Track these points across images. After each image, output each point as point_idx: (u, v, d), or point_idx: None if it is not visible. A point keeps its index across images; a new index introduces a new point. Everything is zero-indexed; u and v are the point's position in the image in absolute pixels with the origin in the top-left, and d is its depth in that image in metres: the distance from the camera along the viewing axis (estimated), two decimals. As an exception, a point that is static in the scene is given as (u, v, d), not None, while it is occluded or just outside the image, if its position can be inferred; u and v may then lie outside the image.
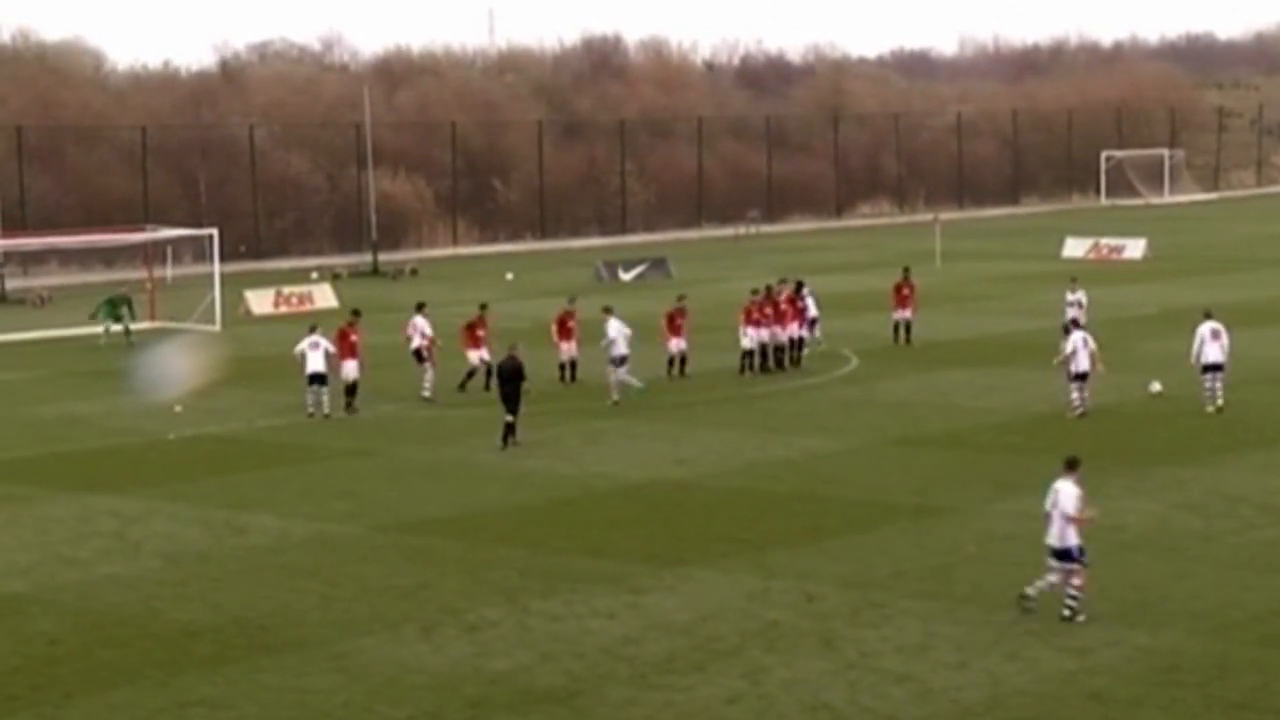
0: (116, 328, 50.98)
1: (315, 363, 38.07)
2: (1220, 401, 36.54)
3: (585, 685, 20.39)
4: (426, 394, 40.12)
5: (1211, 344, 36.84)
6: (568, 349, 42.22)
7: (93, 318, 51.69)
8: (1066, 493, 22.55)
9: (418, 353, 40.77)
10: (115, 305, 51.41)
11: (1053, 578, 22.48)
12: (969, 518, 28.10)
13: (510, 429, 34.49)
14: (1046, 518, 22.70)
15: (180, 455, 34.75)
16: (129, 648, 21.99)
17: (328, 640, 22.17)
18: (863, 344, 47.79)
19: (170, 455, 34.80)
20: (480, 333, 41.23)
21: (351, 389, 38.95)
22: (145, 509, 29.68)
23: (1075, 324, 38.18)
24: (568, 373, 42.27)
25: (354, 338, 39.50)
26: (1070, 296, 45.81)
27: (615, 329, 39.91)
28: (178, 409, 38.91)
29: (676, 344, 42.81)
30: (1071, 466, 22.83)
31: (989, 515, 28.27)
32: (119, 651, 21.86)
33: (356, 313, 41.23)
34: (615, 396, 39.13)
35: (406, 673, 20.88)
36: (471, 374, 40.84)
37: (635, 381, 39.80)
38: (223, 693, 20.24)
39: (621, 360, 39.49)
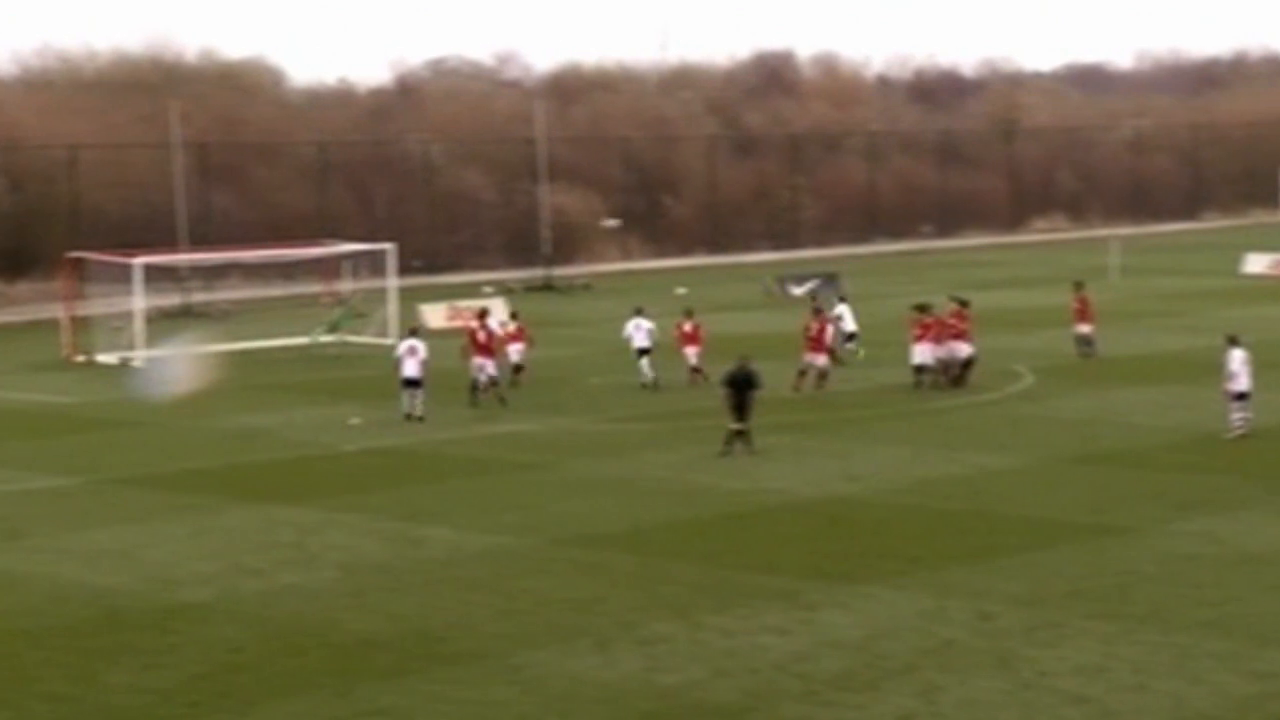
0: (326, 339, 52.03)
1: (410, 369, 39.54)
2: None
3: (758, 701, 20.38)
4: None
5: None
6: (692, 352, 44.37)
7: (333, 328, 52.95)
8: None
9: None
10: (345, 317, 52.56)
11: None
12: (1147, 537, 27.71)
13: (738, 435, 34.96)
14: None
15: (357, 467, 35.22)
16: (309, 657, 22.34)
17: (503, 652, 22.36)
18: (1037, 360, 47.29)
19: (347, 467, 35.29)
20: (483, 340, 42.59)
21: (494, 381, 41.54)
22: (323, 520, 30.12)
23: (1235, 340, 36.84)
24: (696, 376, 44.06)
25: (482, 337, 42.04)
26: None
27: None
28: (355, 421, 39.49)
29: (812, 358, 42.72)
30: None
31: (1167, 535, 27.85)
32: (299, 660, 22.22)
33: (483, 314, 44.47)
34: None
35: (580, 686, 21.01)
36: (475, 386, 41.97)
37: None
38: (400, 703, 20.49)
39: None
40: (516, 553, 27.67)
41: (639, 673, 21.46)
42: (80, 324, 51.77)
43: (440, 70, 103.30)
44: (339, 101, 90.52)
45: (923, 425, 38.51)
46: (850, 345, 47.60)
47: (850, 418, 39.43)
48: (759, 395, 35.49)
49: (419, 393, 39.66)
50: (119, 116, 75.46)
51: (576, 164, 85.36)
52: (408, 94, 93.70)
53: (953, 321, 43.84)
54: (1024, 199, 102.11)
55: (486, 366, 41.72)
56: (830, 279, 70.18)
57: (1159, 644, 21.98)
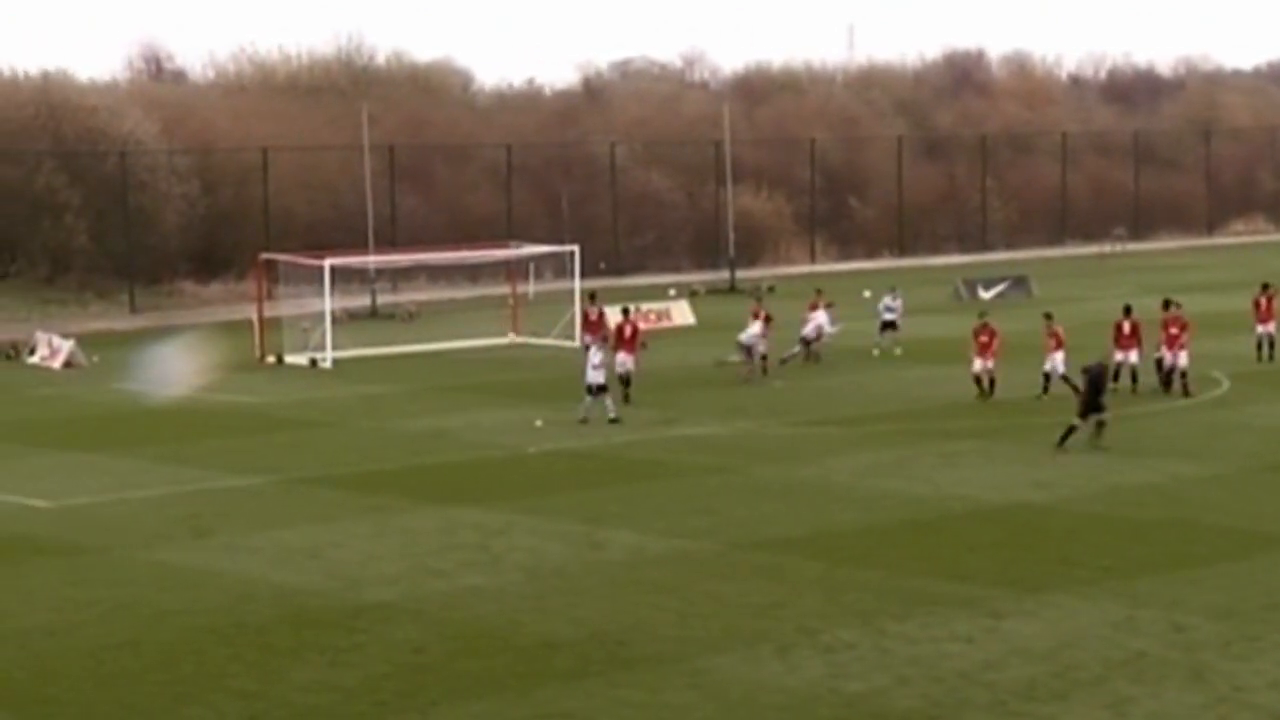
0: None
1: (594, 376, 39.84)
2: None
3: (943, 710, 20.06)
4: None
5: None
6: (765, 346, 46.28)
7: None
8: None
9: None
10: None
11: None
12: (1348, 549, 26.89)
13: (1071, 431, 35.21)
14: None
15: (540, 469, 35.30)
16: (491, 659, 22.37)
17: (684, 656, 22.23)
18: (1234, 366, 46.22)
19: (530, 469, 35.37)
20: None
21: (626, 380, 42.04)
22: (506, 522, 30.20)
23: None
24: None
25: (628, 332, 43.17)
26: None
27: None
28: (538, 423, 39.59)
29: (980, 364, 42.06)
30: None
31: (1370, 547, 27.02)
32: (481, 662, 22.25)
33: (626, 310, 45.21)
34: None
35: (762, 692, 20.81)
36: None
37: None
38: (582, 706, 20.44)
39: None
40: (699, 556, 27.53)
41: (821, 679, 21.22)
42: (270, 325, 52.55)
43: (626, 72, 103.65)
44: (526, 103, 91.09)
45: (1114, 432, 37.74)
46: (830, 332, 49.64)
47: (1038, 424, 38.76)
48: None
49: (604, 396, 39.79)
50: (310, 119, 76.60)
51: (762, 165, 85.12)
52: (594, 96, 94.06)
53: (1173, 329, 42.64)
54: (1222, 201, 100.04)
55: (627, 363, 42.47)
56: (1019, 281, 69.29)
57: (1361, 660, 21.31)
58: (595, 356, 39.96)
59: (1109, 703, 20.11)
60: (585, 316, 48.68)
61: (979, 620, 23.43)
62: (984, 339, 42.16)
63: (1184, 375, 42.10)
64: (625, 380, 42.34)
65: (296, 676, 21.74)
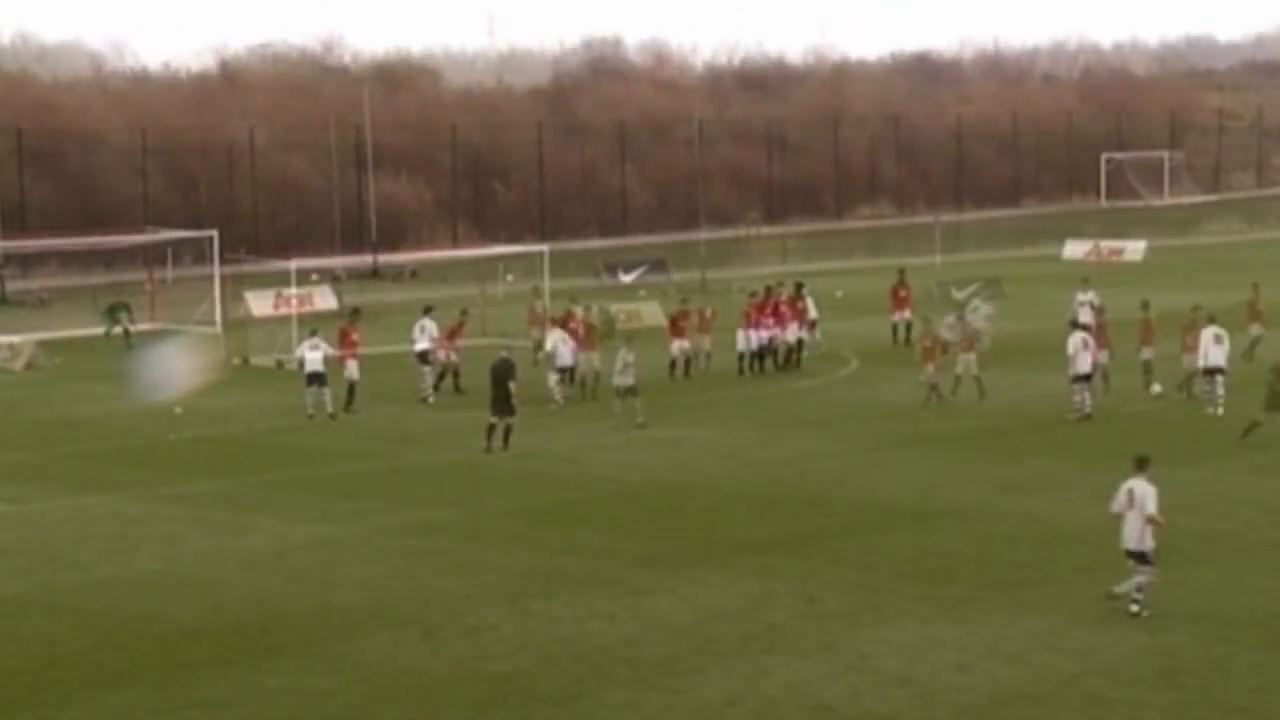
0: (116, 330, 51.42)
1: (314, 363, 38.36)
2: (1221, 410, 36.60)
3: (586, 687, 20.38)
4: (429, 398, 40.37)
5: (1215, 348, 36.91)
6: (680, 345, 42.99)
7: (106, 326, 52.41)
8: (1145, 492, 22.34)
9: (423, 355, 41.08)
10: (114, 310, 52.10)
11: (1140, 579, 22.38)
12: (972, 520, 28.02)
13: (1255, 426, 33.63)
14: (1120, 519, 22.56)
15: (181, 456, 34.71)
16: (129, 650, 21.96)
17: (328, 641, 22.15)
18: (861, 345, 47.71)
19: (170, 456, 34.75)
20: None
21: (351, 389, 39.22)
22: (145, 511, 29.64)
23: (1075, 324, 38.36)
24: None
25: (354, 337, 40.40)
26: (1081, 297, 44.96)
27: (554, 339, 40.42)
28: (178, 410, 38.90)
29: (679, 345, 43.05)
30: (1143, 465, 22.62)
31: (991, 517, 28.20)
32: (119, 653, 21.83)
33: (356, 311, 43.14)
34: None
35: (407, 674, 20.86)
36: (442, 375, 41.32)
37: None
38: (223, 694, 20.21)
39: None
40: (344, 541, 27.42)
41: (467, 660, 21.36)
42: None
43: (264, 55, 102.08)
44: (163, 87, 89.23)
45: (752, 410, 38.70)
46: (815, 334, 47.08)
47: (681, 404, 39.51)
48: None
49: (325, 390, 38.22)
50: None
51: (404, 151, 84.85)
52: (232, 79, 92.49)
53: (784, 308, 44.29)
54: (850, 186, 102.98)
55: (592, 359, 40.77)
56: (658, 264, 70.36)
57: (979, 624, 22.26)
58: (315, 345, 38.49)
59: (745, 674, 20.66)
60: (530, 310, 46.73)
61: (620, 598, 23.83)
62: (681, 323, 43.28)
63: (795, 348, 44.50)
64: (571, 374, 40.23)
65: (-77, 675, 21.05)
